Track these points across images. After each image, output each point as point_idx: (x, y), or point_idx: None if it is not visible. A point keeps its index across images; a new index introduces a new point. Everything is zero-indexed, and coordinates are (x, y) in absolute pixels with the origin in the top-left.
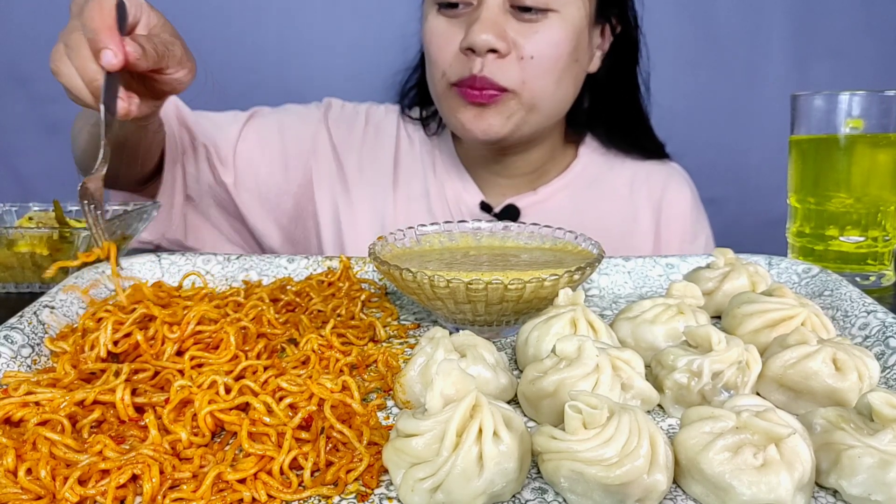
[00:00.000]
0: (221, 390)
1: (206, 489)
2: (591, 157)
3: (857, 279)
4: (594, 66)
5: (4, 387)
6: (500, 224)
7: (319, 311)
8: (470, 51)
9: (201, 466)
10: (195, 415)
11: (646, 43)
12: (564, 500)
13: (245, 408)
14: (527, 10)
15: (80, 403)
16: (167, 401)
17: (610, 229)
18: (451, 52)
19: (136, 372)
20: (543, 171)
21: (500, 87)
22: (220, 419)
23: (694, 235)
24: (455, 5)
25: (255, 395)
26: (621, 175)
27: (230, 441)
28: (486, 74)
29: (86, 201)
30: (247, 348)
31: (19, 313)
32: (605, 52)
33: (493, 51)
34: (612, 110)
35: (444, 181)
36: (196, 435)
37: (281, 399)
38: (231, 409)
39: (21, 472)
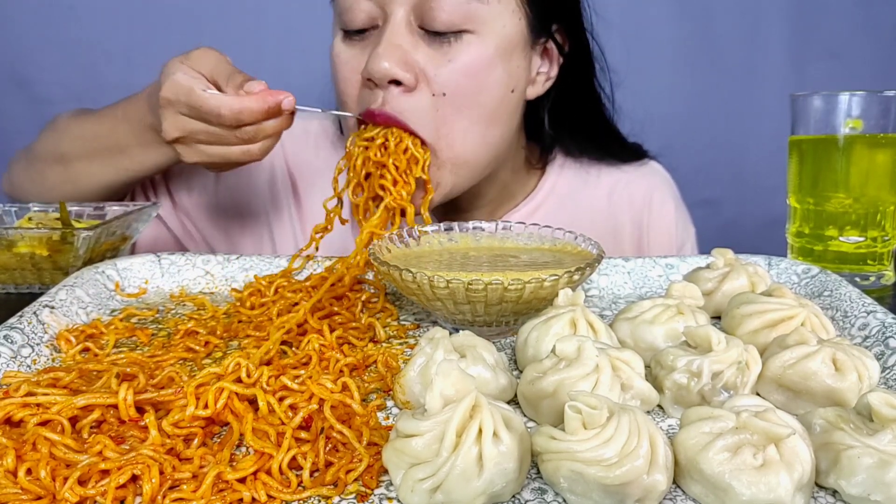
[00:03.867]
0: (243, 373)
1: (207, 488)
2: (560, 173)
3: (857, 279)
4: (536, 91)
5: (5, 387)
6: (500, 224)
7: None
8: (371, 82)
9: (201, 467)
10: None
11: (602, 52)
12: (564, 501)
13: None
14: (438, 33)
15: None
16: (178, 390)
17: None
18: (356, 82)
19: (133, 377)
20: (506, 196)
21: (407, 129)
22: (234, 405)
23: (681, 244)
24: (361, 32)
25: (266, 391)
26: (598, 188)
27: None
28: (387, 110)
29: None
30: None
31: (19, 313)
32: (551, 77)
33: (398, 83)
34: (574, 127)
35: None
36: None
37: (281, 399)
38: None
39: (21, 473)
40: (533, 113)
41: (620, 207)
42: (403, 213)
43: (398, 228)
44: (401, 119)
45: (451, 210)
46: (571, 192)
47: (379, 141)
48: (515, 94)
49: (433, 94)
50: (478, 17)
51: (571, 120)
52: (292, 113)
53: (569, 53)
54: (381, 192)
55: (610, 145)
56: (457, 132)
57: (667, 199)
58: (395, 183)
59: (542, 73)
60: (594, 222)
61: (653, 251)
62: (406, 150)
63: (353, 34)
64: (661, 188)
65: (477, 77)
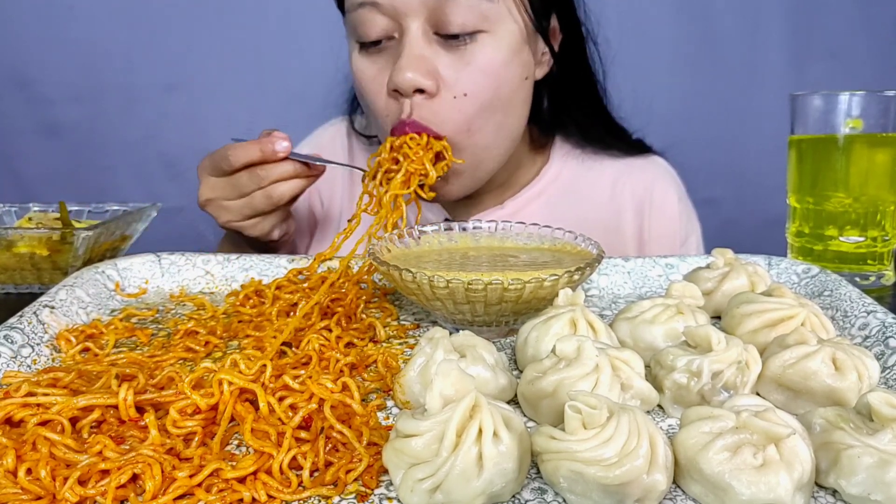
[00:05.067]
0: (242, 366)
1: (203, 477)
2: (564, 160)
3: (857, 279)
4: (542, 71)
5: (5, 387)
6: (500, 224)
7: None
8: (397, 92)
9: (201, 466)
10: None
11: (595, 42)
12: (564, 501)
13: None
14: (454, 36)
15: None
16: (177, 394)
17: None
18: (383, 95)
19: (133, 377)
20: (510, 182)
21: (435, 134)
22: (237, 408)
23: (685, 237)
24: (377, 43)
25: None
26: (602, 176)
27: (230, 442)
28: (416, 119)
29: None
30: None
31: (19, 313)
32: (552, 57)
33: (422, 91)
34: (572, 111)
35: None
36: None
37: (282, 399)
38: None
39: (21, 473)
40: (537, 105)
41: (623, 198)
42: (422, 190)
43: (406, 226)
44: (427, 126)
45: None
46: (574, 179)
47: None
48: (528, 80)
49: (454, 97)
50: (490, 15)
51: (570, 102)
52: (307, 165)
53: (564, 37)
54: (400, 158)
55: (610, 132)
56: (477, 126)
57: (669, 192)
58: (415, 152)
59: (546, 53)
60: (597, 212)
61: (654, 243)
62: (427, 141)
63: (370, 46)
64: (663, 180)
65: (495, 75)
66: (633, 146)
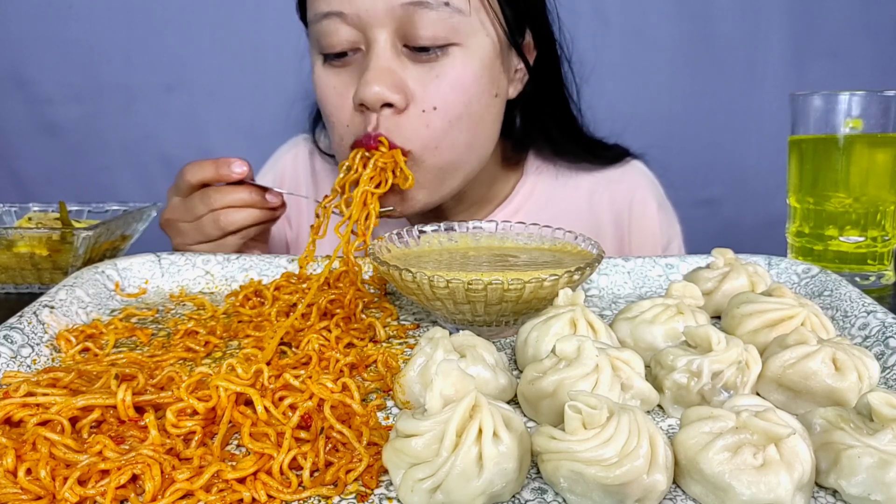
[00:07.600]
0: (239, 370)
1: (204, 482)
2: (538, 176)
3: (857, 279)
4: (515, 90)
5: (5, 387)
6: (500, 224)
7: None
8: (363, 107)
9: (201, 467)
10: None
11: (570, 59)
12: (564, 501)
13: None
14: (424, 49)
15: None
16: (175, 399)
17: None
18: (348, 109)
19: (133, 377)
20: (483, 201)
21: (398, 147)
22: (235, 414)
23: (666, 243)
24: (342, 55)
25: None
26: (577, 189)
27: (230, 442)
28: (382, 132)
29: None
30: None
31: (19, 313)
32: (526, 74)
33: (390, 105)
34: (545, 128)
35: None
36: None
37: (281, 399)
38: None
39: (21, 473)
40: (506, 110)
41: (601, 208)
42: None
43: (400, 229)
44: (394, 141)
45: (431, 216)
46: (550, 194)
47: (361, 154)
48: (499, 97)
49: (423, 111)
50: (461, 29)
51: (543, 118)
52: (264, 192)
53: (538, 53)
54: (367, 155)
55: (583, 148)
56: (446, 142)
57: (648, 199)
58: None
59: (520, 70)
60: (575, 225)
61: (635, 251)
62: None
63: (334, 59)
64: (642, 187)
65: (465, 89)
66: (608, 158)
